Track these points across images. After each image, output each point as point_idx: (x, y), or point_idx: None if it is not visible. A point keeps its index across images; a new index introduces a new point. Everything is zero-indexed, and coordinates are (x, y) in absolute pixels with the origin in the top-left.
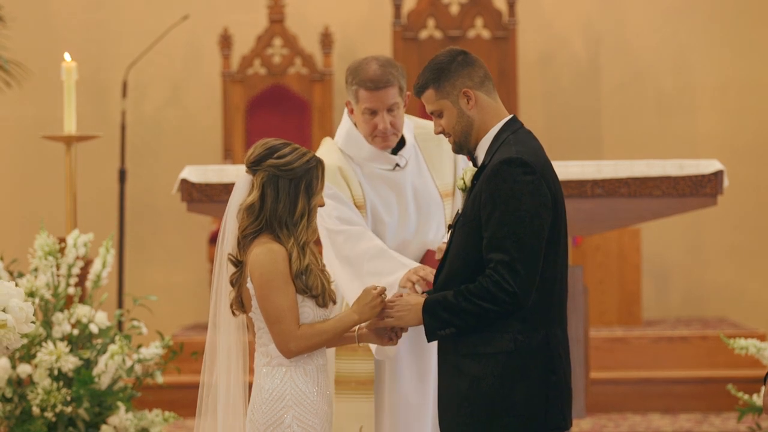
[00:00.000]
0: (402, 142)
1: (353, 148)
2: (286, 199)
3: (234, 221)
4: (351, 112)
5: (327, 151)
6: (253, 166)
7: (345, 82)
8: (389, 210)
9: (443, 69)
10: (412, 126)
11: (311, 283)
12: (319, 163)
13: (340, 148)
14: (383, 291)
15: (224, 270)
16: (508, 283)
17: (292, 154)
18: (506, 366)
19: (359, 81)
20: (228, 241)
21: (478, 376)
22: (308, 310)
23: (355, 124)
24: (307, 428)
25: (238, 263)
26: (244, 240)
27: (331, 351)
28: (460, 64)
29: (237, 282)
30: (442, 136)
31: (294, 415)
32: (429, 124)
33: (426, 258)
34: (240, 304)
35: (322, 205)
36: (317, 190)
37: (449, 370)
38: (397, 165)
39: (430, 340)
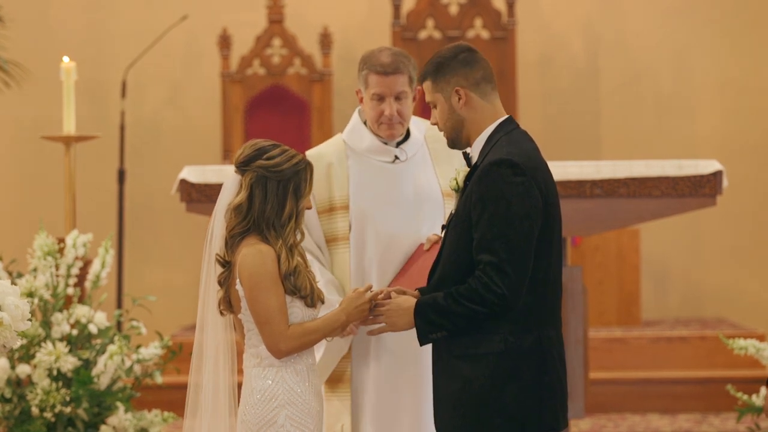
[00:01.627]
0: (407, 137)
1: (355, 139)
2: (274, 200)
3: (222, 221)
4: (361, 101)
5: (331, 142)
6: (242, 167)
7: (357, 71)
8: (382, 204)
9: (442, 63)
10: (424, 127)
11: (300, 283)
12: (307, 166)
13: (344, 139)
14: (373, 294)
15: (212, 270)
16: (496, 285)
17: (281, 156)
18: (497, 367)
19: (370, 65)
20: (216, 242)
21: (470, 377)
22: (297, 311)
23: (365, 123)
24: (300, 427)
25: (226, 264)
26: (232, 240)
27: None
28: (460, 62)
29: (225, 282)
30: None
31: (287, 415)
32: None
33: (416, 251)
34: (228, 304)
35: (309, 208)
36: (305, 192)
37: (443, 372)
38: (397, 158)
39: (422, 343)
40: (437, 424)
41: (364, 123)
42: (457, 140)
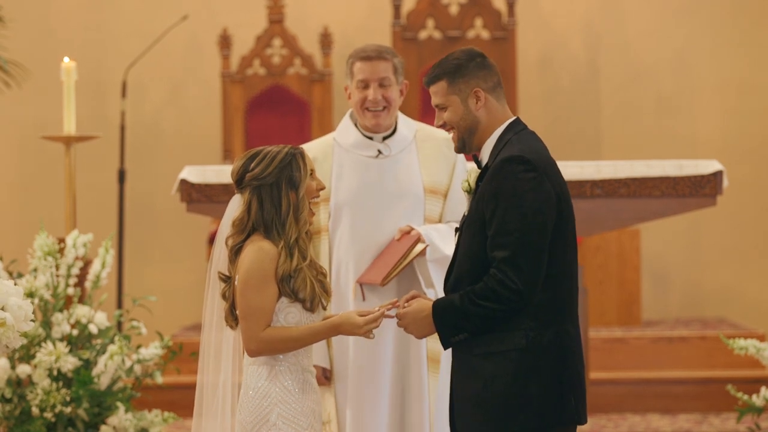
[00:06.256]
0: (393, 133)
1: (343, 135)
2: (270, 204)
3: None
4: (349, 97)
5: (321, 140)
6: (238, 186)
7: (346, 68)
8: (361, 197)
9: (461, 66)
10: (415, 127)
11: (298, 286)
12: (294, 156)
13: (334, 137)
14: (373, 326)
15: (219, 266)
16: (512, 281)
17: (263, 162)
18: (519, 363)
19: (355, 55)
20: (220, 260)
21: (492, 375)
22: (295, 312)
23: (356, 124)
24: (292, 425)
25: (228, 279)
26: (232, 255)
27: None
28: (478, 65)
29: (229, 296)
30: (443, 141)
31: (279, 413)
32: (435, 131)
33: (389, 244)
34: (233, 317)
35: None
36: (302, 179)
37: (463, 371)
38: (380, 152)
39: (445, 347)
40: (458, 424)
41: (355, 124)
42: (469, 142)
